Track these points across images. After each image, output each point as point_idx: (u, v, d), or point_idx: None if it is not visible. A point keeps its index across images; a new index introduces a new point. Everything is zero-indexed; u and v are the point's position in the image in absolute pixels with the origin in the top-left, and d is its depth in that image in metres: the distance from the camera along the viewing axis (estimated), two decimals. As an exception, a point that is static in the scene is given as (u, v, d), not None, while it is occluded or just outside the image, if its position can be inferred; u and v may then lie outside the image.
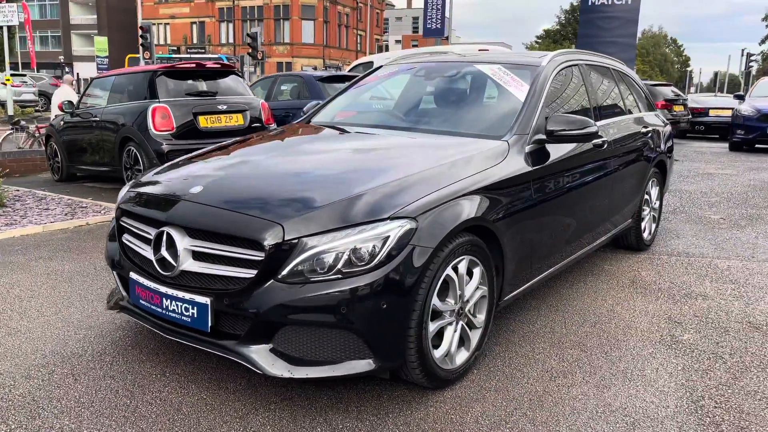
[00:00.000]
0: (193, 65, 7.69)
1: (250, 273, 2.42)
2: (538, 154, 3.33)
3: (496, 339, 3.28)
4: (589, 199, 3.87)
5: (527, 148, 3.27)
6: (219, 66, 7.93)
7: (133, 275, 2.78)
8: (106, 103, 7.93)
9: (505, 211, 2.97)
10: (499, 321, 3.51)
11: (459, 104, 3.87)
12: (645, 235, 5.12)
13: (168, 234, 2.61)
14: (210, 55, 39.32)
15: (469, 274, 2.84)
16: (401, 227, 2.46)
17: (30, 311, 3.58)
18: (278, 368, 2.40)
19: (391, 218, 2.47)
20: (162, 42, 54.66)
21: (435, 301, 2.58)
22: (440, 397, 2.69)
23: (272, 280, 2.39)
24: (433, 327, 2.61)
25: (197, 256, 2.56)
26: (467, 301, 2.81)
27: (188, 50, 48.88)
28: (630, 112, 4.84)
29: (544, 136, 3.36)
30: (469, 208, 2.74)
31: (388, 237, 2.43)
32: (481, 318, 2.94)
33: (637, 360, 3.07)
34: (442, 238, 2.54)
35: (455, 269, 2.70)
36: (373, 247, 2.40)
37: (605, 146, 4.02)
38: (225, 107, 7.42)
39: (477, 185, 2.84)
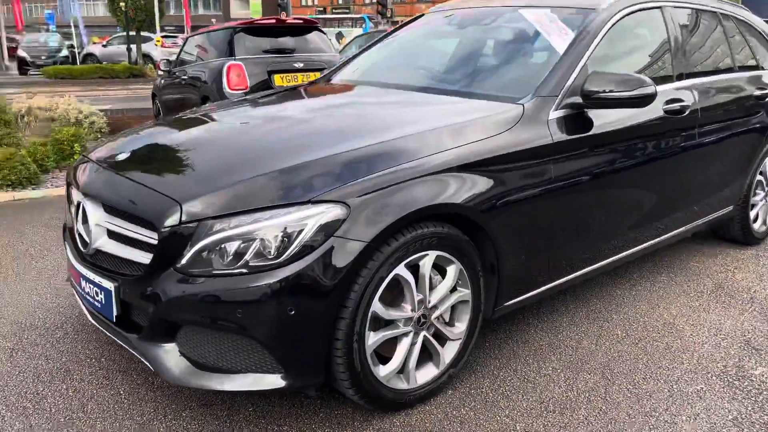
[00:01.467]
0: (273, 21, 7.44)
1: (147, 258, 2.04)
2: (573, 122, 2.60)
3: (497, 351, 2.67)
4: (654, 180, 3.04)
5: (554, 114, 2.55)
6: (300, 22, 7.61)
7: (66, 250, 2.53)
8: (194, 62, 7.96)
9: (503, 196, 2.31)
10: (512, 327, 2.87)
11: (484, 59, 3.17)
12: (756, 225, 4.06)
13: (83, 207, 2.30)
14: (353, 16, 39.64)
15: (442, 273, 2.26)
16: (323, 214, 1.94)
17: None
18: (176, 373, 2.02)
19: (313, 202, 1.95)
20: (309, 3, 56.05)
21: (377, 306, 2.04)
22: (383, 423, 2.17)
23: (171, 269, 1.99)
24: (375, 338, 2.08)
25: (111, 234, 2.22)
26: (434, 307, 2.24)
27: (333, 10, 49.86)
28: (740, 70, 3.80)
29: (580, 100, 2.61)
30: (436, 191, 2.13)
31: (305, 225, 1.92)
32: (459, 328, 2.35)
33: (673, 399, 2.32)
34: (383, 228, 1.98)
35: (413, 268, 2.14)
36: (283, 237, 1.91)
37: (687, 113, 3.13)
38: (302, 65, 7.10)
39: (457, 162, 2.22)
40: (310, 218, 1.92)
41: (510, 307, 2.55)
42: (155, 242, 1.99)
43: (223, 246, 1.93)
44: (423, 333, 2.22)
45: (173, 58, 10.16)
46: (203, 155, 2.36)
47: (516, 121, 2.45)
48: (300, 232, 1.91)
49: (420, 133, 2.28)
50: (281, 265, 1.90)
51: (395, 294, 2.16)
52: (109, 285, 2.14)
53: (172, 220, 1.96)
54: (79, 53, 26.15)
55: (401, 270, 2.08)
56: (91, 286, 2.24)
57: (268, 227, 1.91)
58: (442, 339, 2.32)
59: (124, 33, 23.95)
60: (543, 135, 2.49)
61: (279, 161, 2.11)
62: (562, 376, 2.48)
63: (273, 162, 2.11)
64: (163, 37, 25.48)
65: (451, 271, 2.25)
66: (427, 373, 2.30)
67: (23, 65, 23.79)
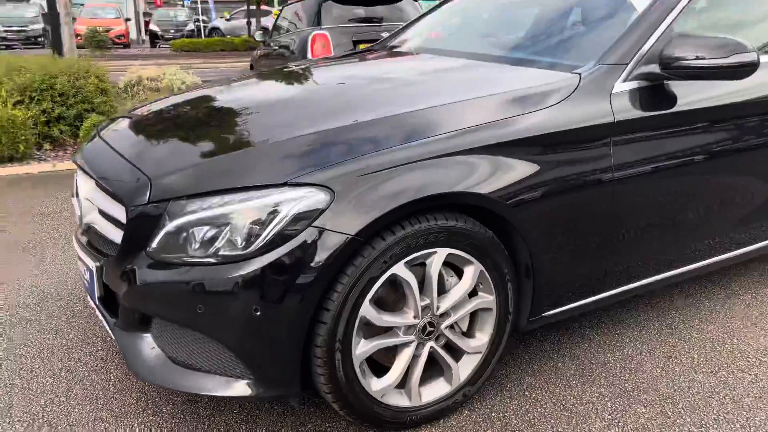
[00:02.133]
0: (362, -11, 7.13)
1: (119, 239, 1.85)
2: (647, 97, 2.11)
3: (536, 365, 2.26)
4: (752, 172, 2.45)
5: (621, 87, 2.07)
6: (391, -10, 7.25)
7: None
8: (287, 31, 7.87)
9: (541, 186, 1.90)
10: (561, 337, 2.44)
11: (541, 20, 2.69)
12: None
13: (76, 179, 2.16)
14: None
15: (460, 274, 1.90)
16: (300, 200, 1.64)
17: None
18: (146, 367, 1.82)
19: (290, 184, 1.66)
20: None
21: (368, 310, 1.73)
22: (376, 446, 1.87)
23: (142, 253, 1.78)
24: (366, 347, 1.77)
25: (101, 210, 2.06)
26: (445, 314, 1.88)
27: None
28: None
29: (658, 69, 2.10)
30: (451, 178, 1.76)
31: (276, 212, 1.63)
32: (480, 340, 1.98)
33: (750, 453, 1.83)
34: (374, 220, 1.65)
35: (418, 267, 1.80)
36: (253, 224, 1.64)
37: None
38: (387, 35, 6.76)
39: (480, 142, 1.83)
40: (285, 204, 1.63)
41: (550, 318, 2.13)
42: (124, 221, 1.80)
43: (192, 231, 1.69)
44: (430, 344, 1.88)
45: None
46: (202, 129, 2.13)
47: (568, 93, 2.00)
48: (272, 219, 1.63)
49: (434, 107, 1.91)
50: (248, 258, 1.63)
51: (398, 296, 1.83)
52: (93, 264, 1.98)
53: (140, 198, 1.75)
54: (205, 27, 27.38)
55: (400, 269, 1.74)
56: (81, 263, 2.10)
57: (238, 212, 1.65)
58: (457, 352, 1.97)
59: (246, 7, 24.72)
60: (602, 112, 2.02)
61: (269, 136, 1.83)
62: (609, 406, 2.04)
63: (262, 137, 1.84)
64: (280, 9, 26.06)
65: (469, 272, 1.88)
66: (436, 390, 1.96)
67: (154, 39, 25.28)
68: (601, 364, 2.28)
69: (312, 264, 1.61)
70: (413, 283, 1.78)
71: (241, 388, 1.72)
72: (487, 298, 1.94)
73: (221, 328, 1.67)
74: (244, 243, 1.63)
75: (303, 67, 3.10)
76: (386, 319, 1.77)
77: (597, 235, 2.07)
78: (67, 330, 2.50)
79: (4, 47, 18.72)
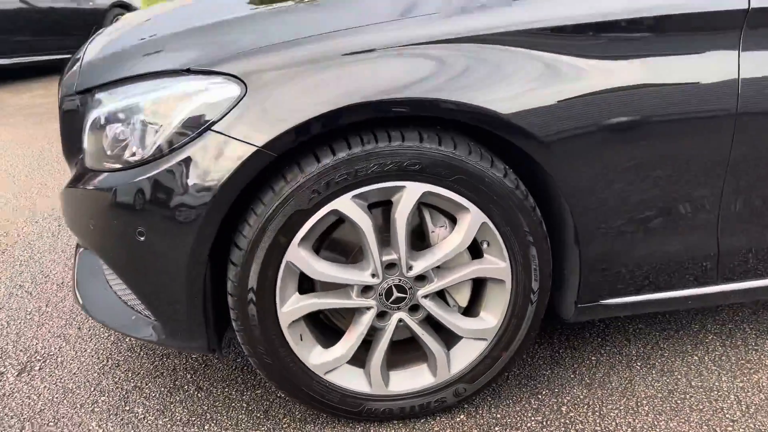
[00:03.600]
0: None
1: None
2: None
3: (565, 372, 1.59)
4: None
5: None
6: None
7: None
8: None
9: (598, 111, 1.23)
10: (606, 337, 1.70)
11: None
12: None
13: None
14: None
15: (453, 220, 1.32)
16: (202, 92, 1.20)
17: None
18: (87, 297, 1.56)
19: (194, 71, 1.23)
20: None
21: (296, 256, 1.25)
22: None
23: (81, 156, 1.51)
24: (297, 304, 1.30)
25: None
26: (423, 278, 1.33)
27: None
28: None
29: None
30: (423, 76, 1.19)
31: (173, 109, 1.22)
32: (485, 322, 1.39)
33: None
34: (292, 128, 1.15)
35: (375, 206, 1.28)
36: (145, 124, 1.25)
37: None
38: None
39: (488, 28, 1.21)
40: (183, 99, 1.21)
41: (613, 311, 1.44)
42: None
43: (108, 129, 1.35)
44: (399, 315, 1.35)
45: None
46: (151, 29, 1.74)
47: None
48: (166, 118, 1.22)
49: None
50: (134, 166, 1.25)
51: (339, 246, 1.34)
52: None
53: (67, 89, 1.46)
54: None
55: (344, 205, 1.23)
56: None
57: (131, 108, 1.27)
58: (449, 334, 1.41)
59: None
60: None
61: (196, 23, 1.41)
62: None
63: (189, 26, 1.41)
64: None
65: (464, 223, 1.29)
66: (412, 380, 1.43)
67: None
68: (649, 389, 1.52)
69: (207, 182, 1.18)
70: (366, 227, 1.25)
71: (146, 330, 1.39)
72: (495, 264, 1.33)
73: (109, 253, 1.34)
74: (135, 148, 1.26)
75: None
76: (325, 271, 1.28)
77: (702, 186, 1.31)
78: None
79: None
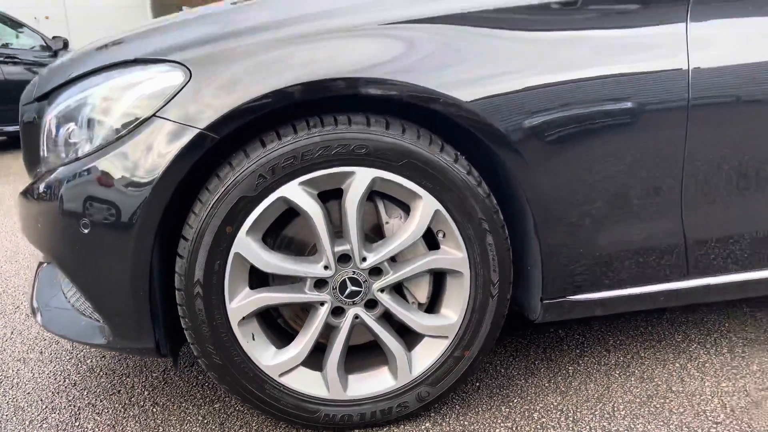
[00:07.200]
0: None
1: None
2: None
3: (548, 373, 1.50)
4: None
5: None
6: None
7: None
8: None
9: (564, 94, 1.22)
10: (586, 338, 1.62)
11: None
12: None
13: None
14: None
15: (405, 209, 1.29)
16: (149, 81, 1.21)
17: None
18: (39, 305, 1.52)
19: (141, 61, 1.24)
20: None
21: (244, 246, 1.22)
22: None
23: (40, 167, 1.49)
24: (248, 299, 1.26)
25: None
26: (376, 270, 1.28)
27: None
28: None
29: None
30: (374, 55, 1.19)
31: (118, 99, 1.22)
32: (446, 319, 1.33)
33: None
34: (234, 109, 1.14)
35: (328, 199, 1.25)
36: (92, 116, 1.25)
37: None
38: None
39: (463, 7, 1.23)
40: (129, 88, 1.22)
41: (580, 309, 1.38)
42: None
43: (62, 125, 1.35)
44: (355, 311, 1.30)
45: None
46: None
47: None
48: (115, 106, 1.22)
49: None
50: (79, 158, 1.24)
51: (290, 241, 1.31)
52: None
53: (39, 89, 1.46)
54: None
55: (291, 192, 1.20)
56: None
57: (81, 104, 1.27)
58: (409, 333, 1.35)
59: None
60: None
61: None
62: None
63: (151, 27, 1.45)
64: None
65: (417, 211, 1.26)
66: (372, 383, 1.35)
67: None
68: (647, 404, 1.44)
69: (150, 168, 1.17)
70: (316, 215, 1.22)
71: (95, 334, 1.33)
72: (452, 255, 1.29)
73: (57, 248, 1.30)
74: (86, 143, 1.25)
75: None
76: (275, 263, 1.24)
77: (660, 166, 1.28)
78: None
79: None
